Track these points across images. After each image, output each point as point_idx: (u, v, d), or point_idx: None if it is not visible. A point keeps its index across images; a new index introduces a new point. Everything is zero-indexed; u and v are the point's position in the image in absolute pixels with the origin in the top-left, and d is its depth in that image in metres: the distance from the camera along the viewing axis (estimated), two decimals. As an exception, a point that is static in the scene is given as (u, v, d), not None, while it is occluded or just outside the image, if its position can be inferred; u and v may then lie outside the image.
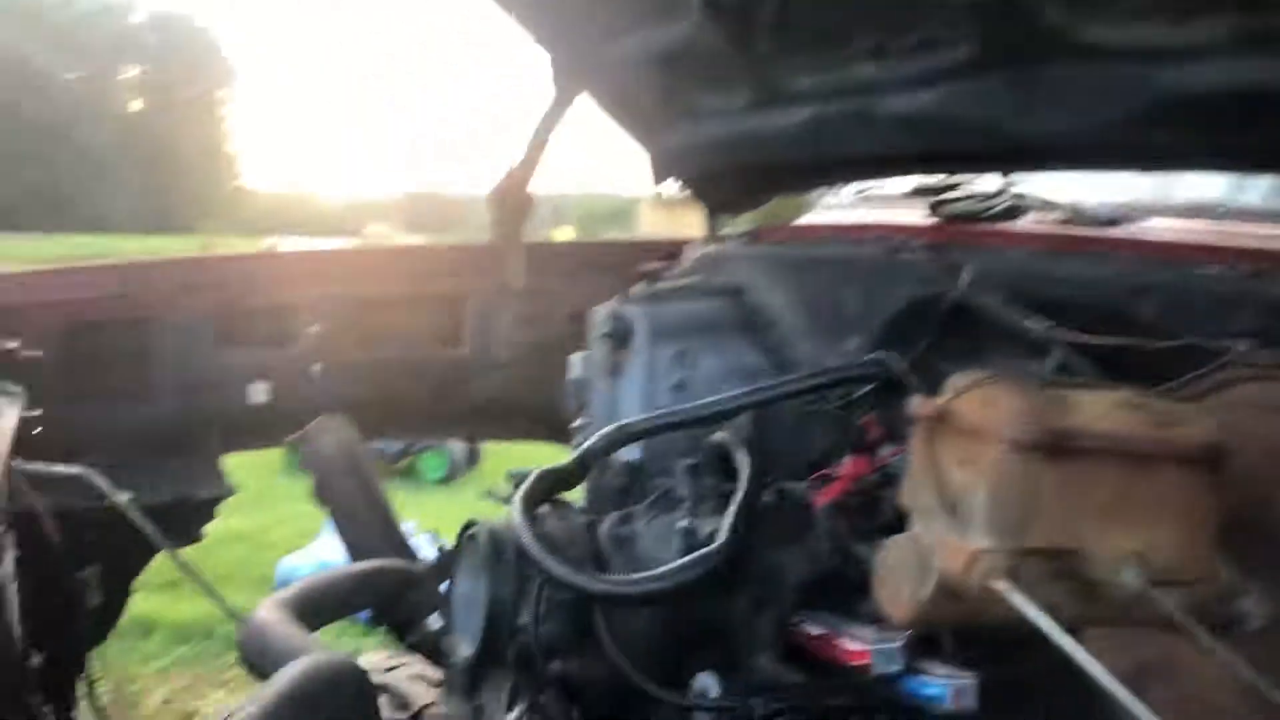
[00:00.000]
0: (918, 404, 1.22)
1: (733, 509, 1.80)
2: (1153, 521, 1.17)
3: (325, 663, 1.31)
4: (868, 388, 2.32)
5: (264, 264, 3.15)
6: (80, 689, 2.71)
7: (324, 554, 6.28)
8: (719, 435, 2.16)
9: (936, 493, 1.17)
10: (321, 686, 1.26)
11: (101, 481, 2.41)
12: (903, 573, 1.15)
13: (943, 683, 1.55)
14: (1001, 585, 1.09)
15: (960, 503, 1.15)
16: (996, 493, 1.12)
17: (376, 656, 3.81)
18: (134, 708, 5.41)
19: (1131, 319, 1.84)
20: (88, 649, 2.67)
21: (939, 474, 1.18)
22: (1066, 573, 1.18)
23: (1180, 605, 1.17)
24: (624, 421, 2.10)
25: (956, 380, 1.22)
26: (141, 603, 6.20)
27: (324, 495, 2.75)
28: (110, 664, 5.75)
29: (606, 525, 1.86)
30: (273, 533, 8.04)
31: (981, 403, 1.16)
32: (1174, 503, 1.18)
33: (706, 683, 1.67)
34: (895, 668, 1.59)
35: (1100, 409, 1.17)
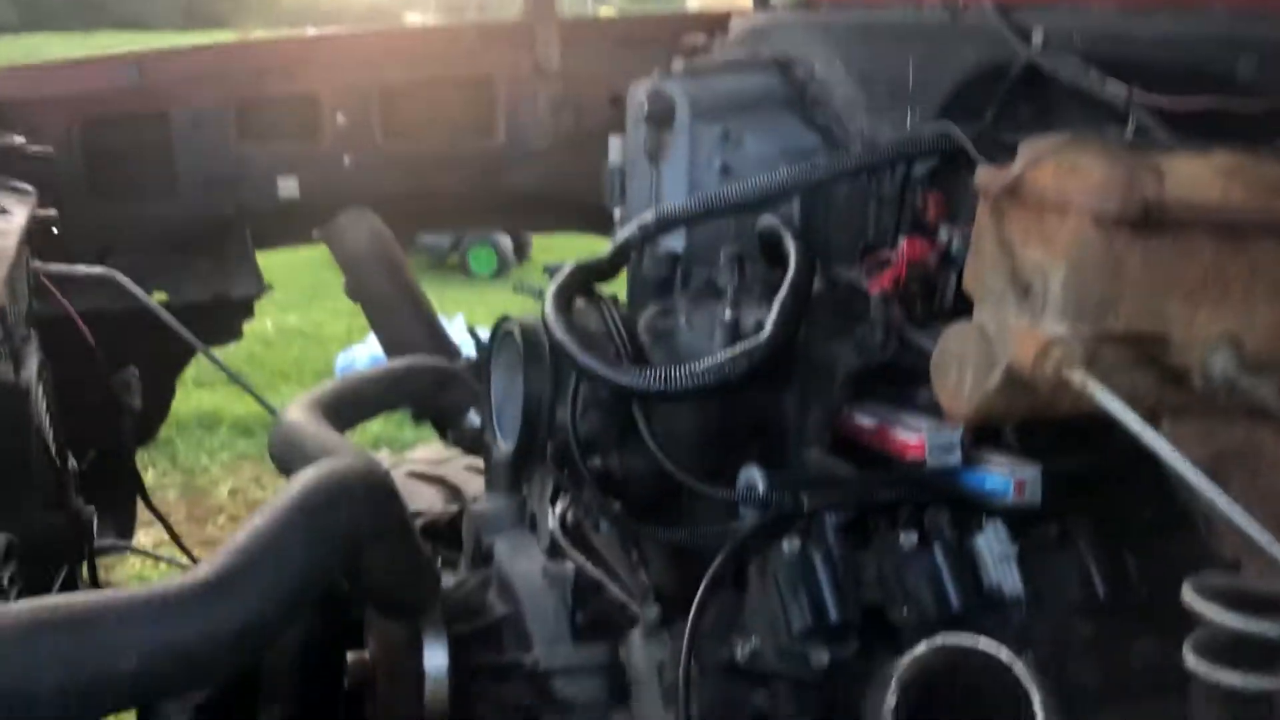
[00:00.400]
0: (986, 175, 1.08)
1: (780, 298, 1.69)
2: (1248, 302, 1.04)
3: (343, 467, 1.25)
4: (928, 163, 2.16)
5: (283, 51, 2.98)
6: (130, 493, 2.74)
7: (379, 348, 6.32)
8: (766, 220, 2.03)
9: (1006, 274, 1.04)
10: (337, 492, 1.20)
11: (128, 282, 2.35)
12: (966, 363, 1.04)
13: (1004, 474, 1.47)
14: (1077, 375, 0.97)
15: (1033, 285, 1.03)
16: (1076, 272, 0.99)
17: (431, 449, 3.85)
18: (205, 498, 5.61)
19: (1224, 79, 1.65)
20: (132, 451, 2.69)
21: (1009, 253, 1.06)
22: (1149, 360, 1.06)
23: (1275, 391, 1.05)
24: (664, 208, 1.97)
25: (1031, 146, 1.07)
26: (205, 399, 6.39)
27: (355, 290, 2.68)
28: (178, 459, 5.97)
29: (646, 318, 1.76)
30: (328, 327, 8.12)
31: (1060, 171, 1.02)
32: (1274, 279, 1.04)
33: (753, 476, 1.60)
34: (953, 460, 1.51)
35: (1197, 175, 1.02)
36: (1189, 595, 0.98)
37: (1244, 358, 1.06)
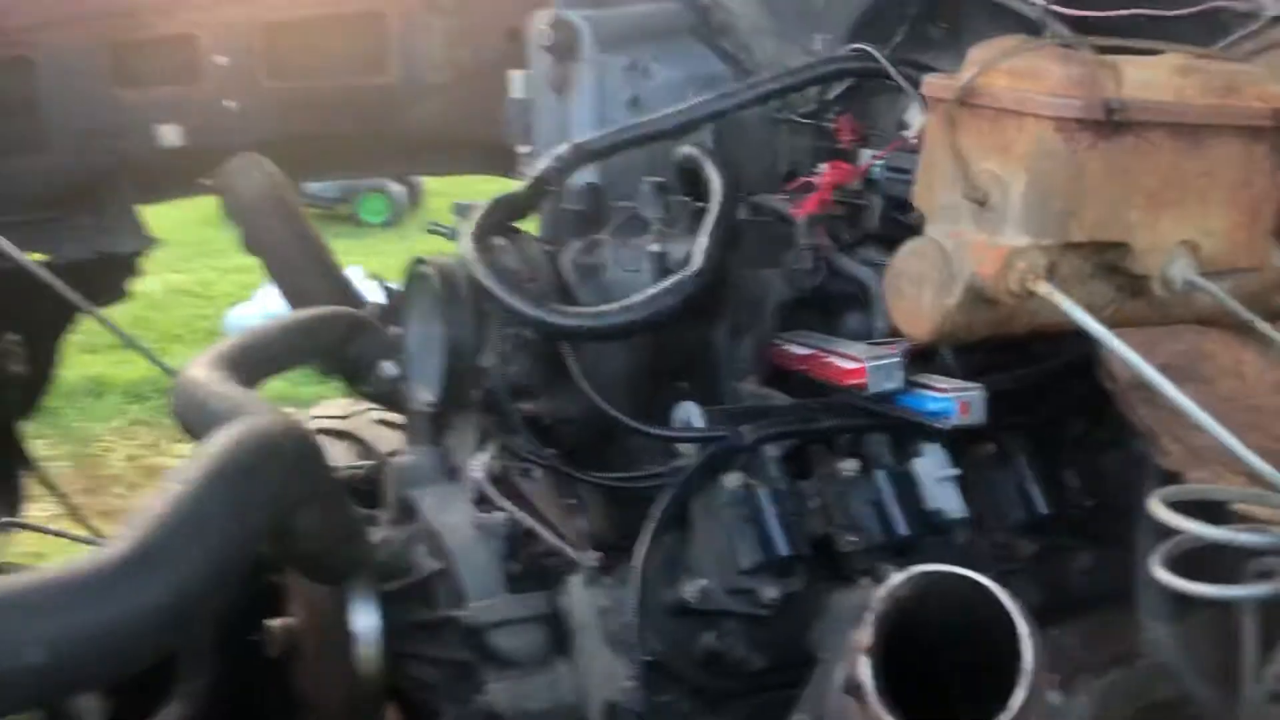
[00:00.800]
0: (936, 85, 1.03)
1: (707, 228, 1.64)
2: (1205, 204, 1.02)
3: (264, 424, 1.16)
4: (842, 86, 2.12)
5: (153, -13, 2.78)
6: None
7: (272, 303, 6.12)
8: (685, 149, 1.97)
9: (961, 187, 1.00)
10: (262, 451, 1.11)
11: (3, 241, 2.18)
12: (923, 281, 1.00)
13: (948, 395, 1.45)
14: (1043, 287, 0.94)
15: (991, 196, 0.98)
16: (1037, 180, 0.95)
17: (336, 404, 3.72)
18: (99, 467, 5.39)
19: (1142, -13, 1.63)
20: (17, 418, 2.52)
21: (963, 165, 1.01)
22: (1106, 269, 1.03)
23: (1233, 296, 1.04)
24: (579, 140, 1.89)
25: (979, 52, 1.03)
26: (91, 364, 6.11)
27: (252, 242, 2.53)
28: (67, 428, 5.71)
29: (570, 254, 1.69)
30: (216, 286, 7.84)
31: (1015, 76, 0.98)
32: (1231, 181, 1.02)
33: (689, 412, 1.55)
34: (895, 384, 1.48)
35: (1152, 75, 0.99)
36: (1157, 508, 0.96)
37: (1202, 264, 1.03)
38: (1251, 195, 1.04)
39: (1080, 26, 1.67)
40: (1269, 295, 1.10)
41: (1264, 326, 1.01)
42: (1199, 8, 1.52)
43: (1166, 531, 1.01)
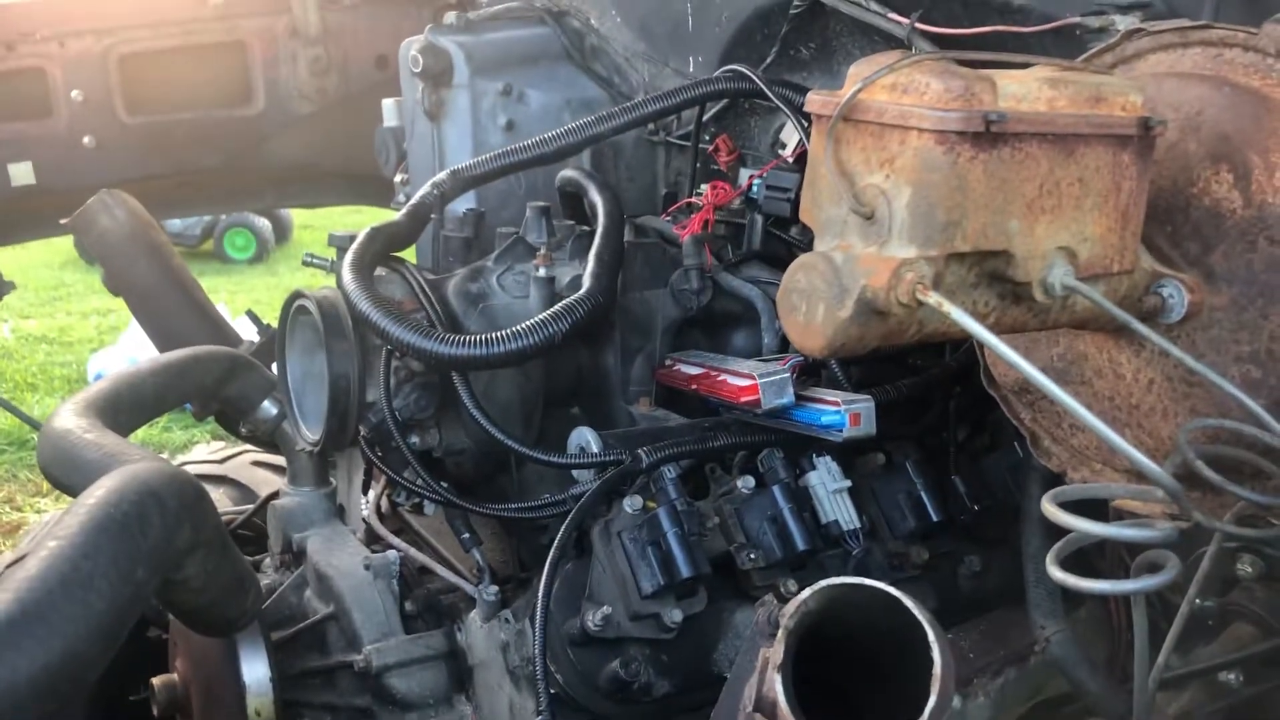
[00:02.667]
0: (818, 101, 1.05)
1: (594, 251, 1.63)
2: (1080, 211, 1.06)
3: (145, 473, 1.09)
4: (716, 106, 2.14)
5: (-1, 19, 2.66)
6: None
7: (135, 347, 5.88)
8: (567, 173, 1.96)
9: (847, 201, 1.01)
10: (145, 501, 1.04)
11: None
12: (815, 295, 1.01)
13: (839, 408, 1.46)
14: (932, 297, 0.95)
15: (877, 209, 1.00)
16: (921, 192, 0.97)
17: (210, 448, 3.59)
18: (-52, 529, 5.08)
19: (1000, 5, 1.69)
20: None
21: (848, 180, 1.02)
22: (992, 276, 1.06)
23: (1107, 299, 1.07)
24: (457, 167, 1.86)
25: (859, 68, 1.04)
26: (-63, 420, 5.77)
27: (116, 282, 2.42)
28: (-88, 490, 5.37)
29: (454, 282, 1.65)
30: (74, 331, 7.48)
31: (895, 90, 1.00)
32: (1102, 188, 1.06)
33: (584, 437, 1.54)
34: (786, 399, 1.49)
35: (1024, 87, 1.02)
36: (1048, 508, 0.98)
37: (1078, 268, 1.07)
38: (1121, 200, 1.08)
39: (945, 43, 1.73)
40: (1139, 296, 1.14)
41: (1139, 327, 1.05)
42: (1056, 24, 1.58)
43: (1053, 531, 1.03)
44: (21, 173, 2.61)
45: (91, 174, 2.65)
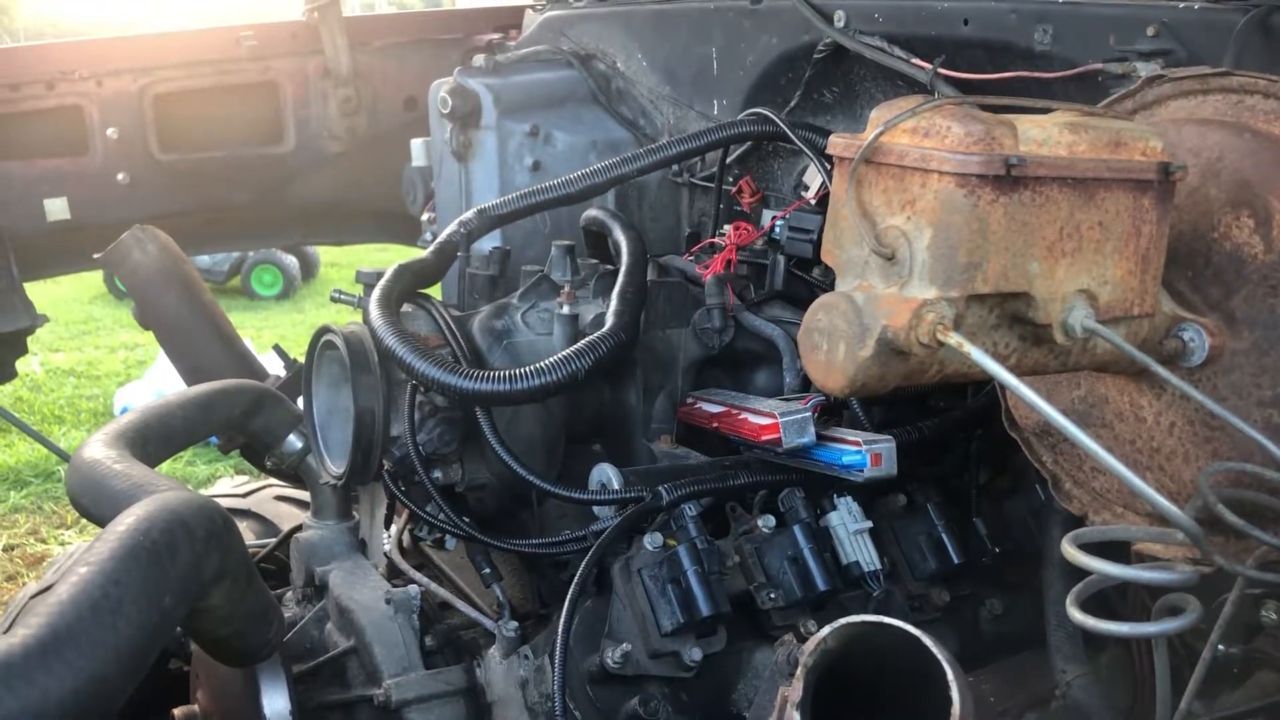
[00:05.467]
0: (840, 144, 1.06)
1: (618, 289, 1.65)
2: (1100, 254, 1.06)
3: (175, 502, 1.11)
4: (740, 149, 2.17)
5: (38, 58, 2.72)
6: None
7: (162, 382, 5.94)
8: (592, 212, 1.99)
9: (868, 243, 1.02)
10: (174, 530, 1.06)
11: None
12: (836, 335, 1.02)
13: (860, 448, 1.46)
14: (953, 337, 0.96)
15: (898, 251, 1.01)
16: (942, 234, 0.98)
17: (234, 482, 3.61)
18: (-27, 560, 5.11)
19: (1023, 52, 1.70)
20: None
21: (869, 221, 1.04)
22: (1009, 319, 1.06)
23: (1128, 341, 1.08)
24: (483, 205, 1.89)
25: (881, 112, 1.06)
26: (-35, 451, 5.82)
27: (147, 316, 2.46)
28: (-60, 519, 5.41)
29: (480, 319, 1.67)
30: (102, 365, 7.56)
31: (917, 134, 1.01)
32: (1122, 231, 1.07)
33: (606, 474, 1.55)
34: (808, 439, 1.49)
35: (1044, 132, 1.04)
36: (1069, 550, 0.98)
37: (1099, 311, 1.07)
38: (1141, 244, 1.09)
39: (967, 88, 1.74)
40: (1160, 340, 1.14)
41: (1160, 370, 1.05)
42: (1078, 70, 1.59)
43: (1075, 574, 1.03)
44: (57, 208, 2.67)
45: (125, 210, 2.70)
